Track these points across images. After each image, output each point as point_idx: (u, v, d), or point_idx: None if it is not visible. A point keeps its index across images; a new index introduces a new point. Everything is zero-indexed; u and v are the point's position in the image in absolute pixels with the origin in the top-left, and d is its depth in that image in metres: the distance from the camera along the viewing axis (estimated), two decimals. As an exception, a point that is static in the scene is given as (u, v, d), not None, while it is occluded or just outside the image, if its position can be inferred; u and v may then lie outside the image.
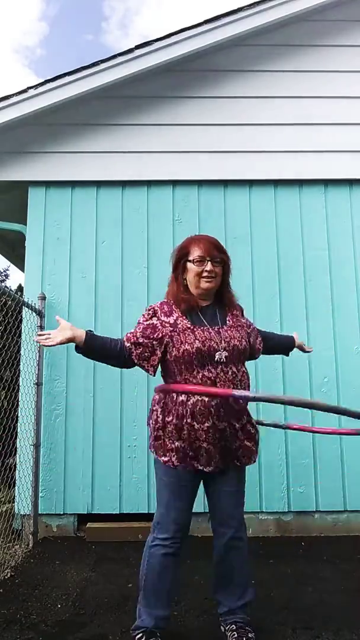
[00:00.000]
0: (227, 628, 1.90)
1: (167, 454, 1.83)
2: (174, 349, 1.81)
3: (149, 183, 3.71)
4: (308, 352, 2.36)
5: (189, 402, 1.78)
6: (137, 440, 3.39)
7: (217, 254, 1.89)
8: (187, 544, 1.90)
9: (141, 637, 1.79)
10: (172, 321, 1.85)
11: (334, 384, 3.46)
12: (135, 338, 1.87)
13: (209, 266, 1.86)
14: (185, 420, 1.78)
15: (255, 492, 3.31)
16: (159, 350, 1.85)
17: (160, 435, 1.85)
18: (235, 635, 1.83)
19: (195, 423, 1.77)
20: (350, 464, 3.37)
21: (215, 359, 1.78)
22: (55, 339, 1.79)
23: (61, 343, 1.80)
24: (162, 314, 1.88)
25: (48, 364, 3.48)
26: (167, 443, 1.82)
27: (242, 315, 2.05)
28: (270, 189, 3.71)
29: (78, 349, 1.85)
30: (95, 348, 1.87)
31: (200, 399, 1.77)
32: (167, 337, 1.83)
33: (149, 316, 1.90)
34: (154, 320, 1.88)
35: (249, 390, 1.89)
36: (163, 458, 1.84)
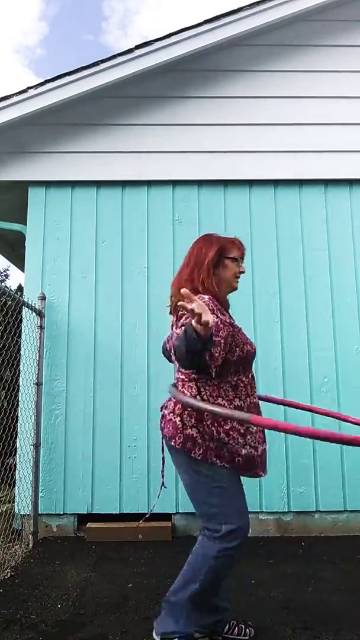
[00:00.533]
0: (225, 630, 1.90)
1: (234, 459, 1.73)
2: (236, 348, 1.75)
3: (149, 183, 3.71)
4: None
5: (245, 405, 1.76)
6: (137, 440, 3.39)
7: (244, 258, 1.93)
8: None
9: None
10: (226, 320, 1.77)
11: (334, 384, 3.46)
12: (220, 325, 1.67)
13: (243, 268, 1.89)
14: (244, 425, 1.72)
15: (255, 492, 3.31)
16: (225, 345, 1.70)
17: (219, 444, 1.72)
18: (236, 632, 1.88)
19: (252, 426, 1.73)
20: (350, 464, 3.37)
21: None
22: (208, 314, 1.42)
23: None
24: (218, 311, 1.74)
25: (48, 364, 3.48)
26: (234, 450, 1.73)
27: None
28: (270, 189, 3.71)
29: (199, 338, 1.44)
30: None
31: (252, 400, 1.79)
32: (230, 335, 1.74)
33: (211, 308, 1.70)
34: (220, 315, 1.74)
35: None
36: (226, 465, 1.72)
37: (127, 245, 3.64)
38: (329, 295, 3.57)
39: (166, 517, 3.30)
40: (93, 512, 3.33)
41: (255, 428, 1.74)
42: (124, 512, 3.31)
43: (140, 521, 2.88)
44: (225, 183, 3.71)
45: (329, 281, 3.59)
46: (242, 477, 1.88)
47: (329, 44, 3.76)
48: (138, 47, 3.52)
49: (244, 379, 1.79)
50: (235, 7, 3.64)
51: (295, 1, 3.59)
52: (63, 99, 3.51)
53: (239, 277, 1.88)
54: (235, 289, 1.89)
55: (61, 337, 3.52)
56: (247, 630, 1.93)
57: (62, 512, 3.35)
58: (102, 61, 3.51)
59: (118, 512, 3.32)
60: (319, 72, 3.73)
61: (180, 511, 3.30)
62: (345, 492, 3.34)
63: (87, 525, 3.30)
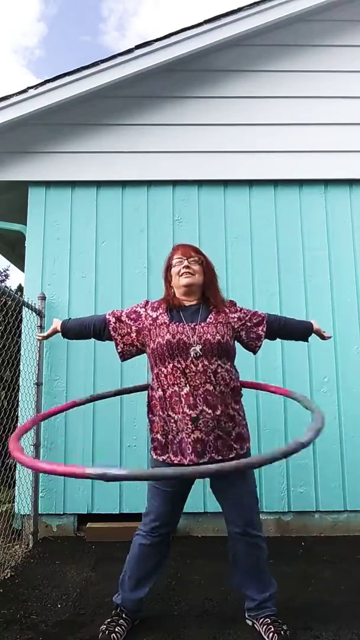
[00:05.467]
0: (259, 622, 1.97)
1: (154, 448, 1.97)
2: (150, 341, 1.99)
3: (149, 183, 3.71)
4: (327, 338, 2.37)
5: (166, 395, 1.92)
6: (137, 440, 3.39)
7: (193, 254, 2.08)
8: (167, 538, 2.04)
9: (114, 612, 2.03)
10: (154, 316, 2.03)
11: (334, 384, 3.46)
12: (119, 314, 2.11)
13: (185, 263, 2.04)
14: (165, 413, 1.91)
15: (255, 492, 3.31)
16: (134, 335, 2.05)
17: (151, 431, 2.00)
18: (272, 629, 1.90)
19: (173, 414, 1.90)
20: (350, 464, 3.37)
21: (191, 353, 1.89)
22: (45, 334, 2.26)
23: (49, 335, 2.24)
24: (150, 308, 2.07)
25: (48, 364, 3.48)
26: (154, 437, 1.97)
27: (235, 309, 2.11)
28: (270, 189, 3.71)
29: (62, 334, 2.21)
30: (70, 332, 2.19)
31: (174, 390, 1.90)
32: (146, 329, 2.02)
33: (140, 306, 2.11)
34: (142, 310, 2.08)
35: (230, 383, 1.94)
36: (159, 457, 1.95)
37: (127, 245, 3.64)
38: (329, 295, 3.57)
39: (166, 517, 3.30)
40: (93, 512, 3.33)
41: (178, 417, 1.88)
42: (124, 512, 3.31)
43: None
44: (225, 183, 3.71)
45: (329, 281, 3.59)
46: (238, 479, 1.95)
47: (329, 44, 3.76)
48: (138, 47, 3.52)
49: (163, 369, 1.94)
50: (235, 7, 3.64)
51: (295, 1, 3.59)
52: (63, 99, 3.51)
53: (184, 274, 2.03)
54: (183, 285, 2.03)
55: (61, 337, 3.51)
56: (282, 631, 1.91)
57: (62, 512, 3.35)
58: (102, 61, 3.51)
59: (118, 512, 3.32)
60: (319, 72, 3.72)
61: (180, 511, 3.29)
62: (345, 492, 3.34)
63: (87, 525, 3.30)
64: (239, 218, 3.67)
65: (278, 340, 3.45)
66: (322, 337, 2.35)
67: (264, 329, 2.12)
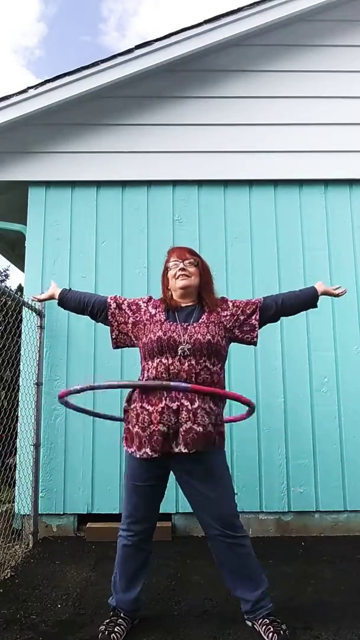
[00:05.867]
0: (258, 623, 1.95)
1: (130, 443, 1.98)
2: (143, 336, 2.02)
3: (149, 183, 3.71)
4: (341, 293, 2.24)
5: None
6: (137, 440, 3.38)
7: (189, 256, 2.10)
8: (147, 539, 2.04)
9: (112, 612, 2.03)
10: (153, 312, 2.06)
11: (334, 384, 3.46)
12: (121, 301, 2.13)
13: (181, 266, 2.06)
14: (140, 404, 1.93)
15: (255, 492, 3.31)
16: (130, 327, 2.09)
17: (127, 426, 2.02)
18: (272, 629, 1.89)
19: (148, 406, 1.90)
20: (350, 464, 3.37)
21: (179, 352, 1.91)
22: (42, 296, 2.31)
23: (45, 299, 2.31)
24: (151, 305, 2.11)
25: (48, 364, 3.48)
26: (127, 428, 2.01)
27: (225, 306, 2.09)
28: (270, 189, 3.71)
29: (58, 303, 2.24)
30: (68, 303, 2.22)
31: (151, 373, 1.95)
32: (142, 323, 2.05)
33: (143, 300, 2.15)
34: (143, 305, 2.12)
35: (211, 385, 1.93)
36: (128, 449, 1.98)
37: (127, 245, 3.64)
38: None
39: (166, 517, 3.30)
40: (93, 512, 3.33)
41: (152, 408, 1.89)
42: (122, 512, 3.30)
43: None
44: (225, 183, 3.71)
45: (329, 281, 3.58)
46: (211, 476, 1.94)
47: (329, 44, 3.76)
48: (138, 47, 3.52)
49: (150, 363, 1.97)
50: (235, 7, 3.64)
51: (295, 1, 3.59)
52: (63, 99, 3.51)
53: (180, 276, 2.05)
54: (179, 287, 2.05)
55: (61, 337, 3.52)
56: (281, 631, 1.90)
57: (62, 512, 3.35)
58: (102, 61, 3.51)
59: (118, 512, 3.31)
60: (319, 72, 3.73)
61: (180, 511, 3.30)
62: (345, 492, 3.34)
63: (87, 525, 3.30)
64: (239, 218, 3.67)
65: (278, 340, 3.49)
66: (336, 295, 2.24)
67: (257, 318, 2.08)
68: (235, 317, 2.06)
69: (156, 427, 1.86)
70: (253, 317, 2.08)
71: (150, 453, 1.88)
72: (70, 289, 2.27)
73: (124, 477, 2.05)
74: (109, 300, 2.13)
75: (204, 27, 3.53)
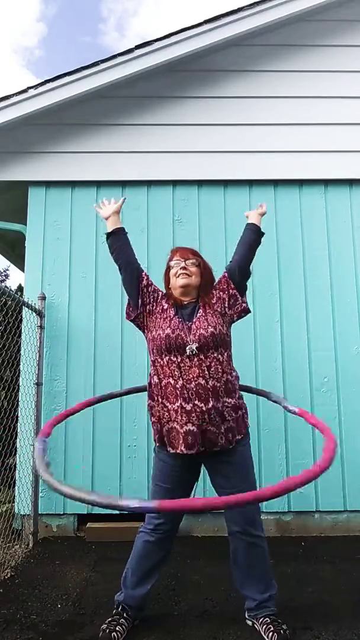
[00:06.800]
0: (259, 622, 1.97)
1: (154, 433, 2.02)
2: (153, 328, 2.06)
3: (149, 183, 3.71)
4: (263, 211, 2.35)
5: (162, 384, 1.98)
6: (137, 440, 3.38)
7: (191, 256, 2.14)
8: (171, 537, 2.06)
9: (115, 611, 2.03)
10: (165, 307, 2.10)
11: (334, 384, 3.46)
12: (150, 283, 2.16)
13: (183, 265, 2.10)
14: (160, 401, 1.97)
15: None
16: (147, 313, 2.11)
17: (151, 416, 2.05)
18: (272, 629, 1.90)
19: (167, 403, 1.95)
20: (350, 464, 3.37)
21: (187, 352, 1.95)
22: (107, 212, 2.29)
23: (109, 216, 2.28)
24: (165, 299, 2.14)
25: (48, 364, 3.48)
26: (153, 422, 2.03)
27: (212, 294, 2.12)
28: (270, 189, 3.71)
29: (110, 235, 2.25)
30: (119, 240, 2.23)
31: (168, 381, 1.96)
32: (154, 315, 2.09)
33: (162, 292, 2.18)
34: (160, 295, 2.15)
35: (223, 376, 1.97)
36: (158, 444, 2.02)
37: (127, 245, 3.63)
38: (329, 295, 3.57)
39: (166, 517, 3.30)
40: (93, 512, 3.33)
41: (171, 406, 1.93)
42: (124, 512, 3.31)
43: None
44: (225, 183, 3.71)
45: (329, 281, 3.59)
46: (235, 476, 1.99)
47: (329, 44, 3.76)
48: (138, 47, 3.52)
49: (160, 360, 2.00)
50: (235, 7, 3.64)
51: (295, 1, 3.59)
52: (63, 98, 3.51)
53: (181, 275, 2.09)
54: (180, 285, 2.08)
55: (61, 337, 3.52)
56: (281, 631, 1.91)
57: (62, 512, 3.35)
58: (102, 61, 3.51)
59: (118, 512, 3.31)
60: (319, 72, 3.72)
61: (180, 511, 3.29)
62: (345, 492, 3.34)
63: (87, 525, 3.30)
64: (239, 218, 3.63)
65: (278, 340, 3.49)
66: (262, 213, 2.35)
67: (233, 286, 2.12)
68: (221, 300, 2.11)
69: (188, 427, 1.90)
70: (230, 289, 2.13)
71: (188, 452, 1.91)
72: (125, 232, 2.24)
73: (152, 477, 2.08)
74: (142, 274, 2.16)
75: (204, 27, 3.53)
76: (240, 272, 2.16)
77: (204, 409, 1.90)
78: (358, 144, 3.66)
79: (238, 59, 3.73)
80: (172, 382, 1.95)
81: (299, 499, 3.33)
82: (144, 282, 2.14)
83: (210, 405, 1.91)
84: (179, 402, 1.92)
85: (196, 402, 1.91)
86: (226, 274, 2.16)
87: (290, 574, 2.63)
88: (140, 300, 2.12)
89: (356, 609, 2.21)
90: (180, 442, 1.91)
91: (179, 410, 1.92)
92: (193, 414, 1.90)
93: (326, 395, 3.44)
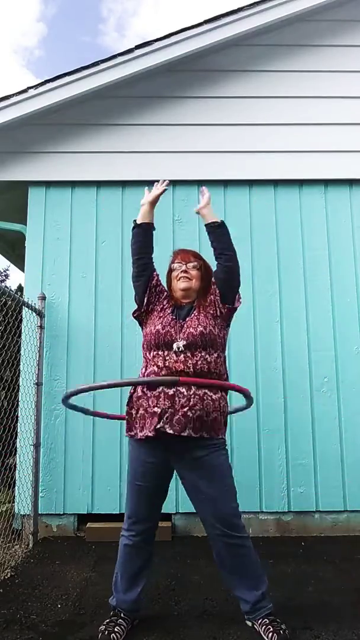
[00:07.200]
0: (258, 623, 1.96)
1: (132, 427, 2.03)
2: (148, 325, 2.11)
3: (149, 183, 3.69)
4: (206, 202, 2.28)
5: (146, 373, 2.03)
6: (137, 440, 3.38)
7: (192, 259, 2.17)
8: (149, 538, 2.05)
9: (113, 612, 2.03)
10: (165, 305, 2.14)
11: (334, 384, 3.46)
12: (159, 284, 2.20)
13: (184, 268, 2.13)
14: (141, 389, 2.00)
15: (255, 492, 3.31)
16: (149, 308, 2.14)
17: (129, 411, 2.06)
18: (271, 629, 1.89)
19: (146, 389, 1.97)
20: (350, 464, 3.37)
21: (174, 348, 1.98)
22: (145, 199, 2.27)
23: (144, 203, 2.26)
24: (166, 299, 2.18)
25: (48, 364, 3.48)
26: (127, 412, 2.06)
27: (207, 297, 2.13)
28: (270, 189, 3.71)
29: (138, 226, 2.20)
30: (146, 236, 2.19)
31: (152, 369, 1.99)
32: (155, 312, 2.12)
33: (166, 292, 2.20)
34: (163, 294, 2.18)
35: (208, 375, 1.98)
36: (130, 432, 2.03)
37: (127, 245, 3.58)
38: (329, 295, 3.57)
39: (166, 517, 3.30)
40: (93, 512, 3.33)
41: (151, 393, 1.95)
42: (124, 512, 3.30)
43: None
44: (225, 183, 3.71)
45: (329, 281, 3.59)
46: (211, 474, 1.94)
47: (329, 44, 3.76)
48: (138, 47, 3.52)
49: (148, 354, 2.05)
50: (235, 7, 3.64)
51: (295, 1, 3.59)
52: (63, 98, 3.51)
53: (181, 278, 2.12)
54: (180, 288, 2.12)
55: (61, 337, 3.52)
56: (281, 630, 1.90)
57: (62, 512, 3.35)
58: (102, 61, 3.51)
59: (118, 512, 3.31)
60: (319, 72, 3.73)
61: (180, 511, 3.30)
62: (345, 492, 3.34)
63: (87, 525, 3.30)
64: (239, 218, 3.66)
65: (278, 340, 3.49)
66: (206, 202, 2.29)
67: (215, 288, 2.13)
68: (215, 300, 2.12)
69: (152, 409, 1.93)
70: (217, 294, 2.13)
71: (149, 434, 1.92)
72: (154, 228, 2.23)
73: (127, 477, 2.07)
74: (153, 273, 2.18)
75: (204, 27, 3.53)
76: (225, 270, 2.13)
77: (186, 393, 1.90)
78: (358, 144, 3.66)
79: (238, 59, 3.73)
80: (156, 369, 1.98)
81: (299, 499, 3.33)
82: (154, 281, 2.17)
83: (191, 391, 1.91)
84: (160, 388, 1.93)
85: (179, 387, 1.91)
86: (213, 273, 2.18)
87: (290, 574, 2.63)
88: (146, 299, 2.15)
89: (356, 609, 2.21)
90: (152, 421, 1.91)
91: (161, 395, 1.92)
92: (176, 398, 1.91)
93: (326, 395, 3.44)
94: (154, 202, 2.24)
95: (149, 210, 2.23)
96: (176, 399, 1.92)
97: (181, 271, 2.12)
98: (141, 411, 1.98)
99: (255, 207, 3.69)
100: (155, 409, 1.92)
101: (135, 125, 3.69)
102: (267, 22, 3.59)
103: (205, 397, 1.94)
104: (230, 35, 3.56)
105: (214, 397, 1.97)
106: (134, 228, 2.21)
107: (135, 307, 2.20)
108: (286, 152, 3.67)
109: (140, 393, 2.01)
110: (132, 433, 2.02)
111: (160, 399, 1.93)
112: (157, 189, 2.27)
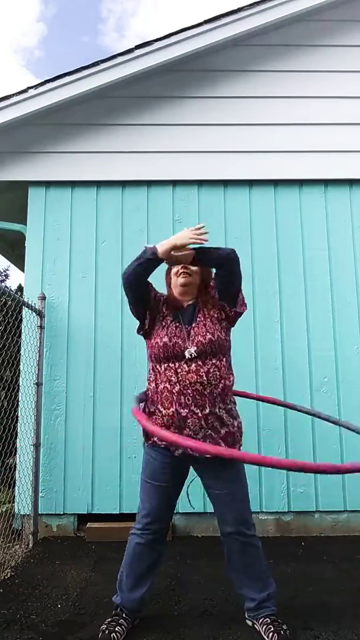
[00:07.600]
0: (259, 622, 1.97)
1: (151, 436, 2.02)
2: (152, 337, 2.07)
3: (149, 183, 3.71)
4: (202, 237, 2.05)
5: (158, 390, 1.99)
6: (137, 440, 3.38)
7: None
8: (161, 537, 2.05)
9: (114, 612, 2.03)
10: (165, 312, 2.10)
11: (334, 384, 3.46)
12: (155, 294, 2.14)
13: (180, 266, 2.08)
14: (155, 406, 1.98)
15: (255, 492, 3.31)
16: (152, 322, 2.09)
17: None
18: (272, 629, 1.90)
19: (162, 409, 1.95)
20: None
21: (186, 356, 1.95)
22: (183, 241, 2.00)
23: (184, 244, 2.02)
24: (165, 304, 2.13)
25: (48, 364, 3.48)
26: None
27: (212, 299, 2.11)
28: (270, 189, 3.71)
29: (153, 259, 1.98)
30: (153, 269, 2.04)
31: (165, 386, 1.96)
32: (157, 320, 2.08)
33: (163, 297, 2.16)
34: (162, 301, 2.14)
35: (221, 381, 1.96)
36: (147, 441, 2.03)
37: (127, 245, 3.64)
38: (329, 295, 3.57)
39: (166, 517, 3.29)
40: (93, 512, 3.33)
41: (165, 412, 1.93)
42: (124, 512, 3.31)
43: None
44: (225, 183, 3.71)
45: (329, 281, 3.59)
46: (229, 478, 1.97)
47: (329, 44, 3.76)
48: (138, 47, 3.52)
49: (158, 367, 2.01)
50: (235, 7, 3.64)
51: (295, 1, 3.59)
52: (63, 98, 3.51)
53: (181, 274, 2.07)
54: (180, 284, 2.08)
55: (61, 337, 3.52)
56: (282, 631, 1.91)
57: (62, 512, 3.34)
58: (102, 61, 3.51)
59: (118, 512, 3.32)
60: (319, 72, 3.73)
61: (180, 511, 3.28)
62: (345, 492, 3.34)
63: (87, 525, 3.30)
64: (239, 218, 3.66)
65: (278, 340, 3.49)
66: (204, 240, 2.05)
67: (216, 293, 2.10)
68: (220, 306, 2.09)
69: (181, 432, 1.90)
70: (215, 294, 2.11)
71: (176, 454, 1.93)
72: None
73: (141, 476, 2.07)
74: (152, 293, 2.11)
75: (204, 27, 3.53)
76: (223, 276, 2.06)
77: (200, 415, 1.90)
78: (358, 144, 3.66)
79: (237, 59, 3.73)
80: (169, 387, 1.95)
81: (299, 499, 3.33)
82: (152, 293, 2.11)
83: (207, 411, 1.91)
84: (174, 407, 1.92)
85: (193, 408, 1.91)
86: (214, 286, 2.12)
87: (290, 574, 2.63)
88: (149, 317, 2.09)
89: (356, 609, 2.21)
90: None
91: (175, 416, 1.92)
92: (189, 420, 1.90)
93: (326, 395, 3.44)
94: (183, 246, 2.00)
95: (170, 249, 1.98)
96: (208, 420, 1.91)
97: (181, 267, 2.09)
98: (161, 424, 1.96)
99: (255, 207, 3.69)
100: (187, 432, 1.90)
101: (135, 125, 3.69)
102: (267, 22, 3.59)
103: (223, 415, 1.96)
104: (230, 35, 3.56)
105: (229, 409, 1.99)
106: (150, 259, 1.97)
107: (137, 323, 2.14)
108: (286, 152, 3.67)
109: (164, 411, 1.96)
110: (151, 442, 2.02)
111: (189, 421, 1.91)
112: (191, 235, 1.98)
